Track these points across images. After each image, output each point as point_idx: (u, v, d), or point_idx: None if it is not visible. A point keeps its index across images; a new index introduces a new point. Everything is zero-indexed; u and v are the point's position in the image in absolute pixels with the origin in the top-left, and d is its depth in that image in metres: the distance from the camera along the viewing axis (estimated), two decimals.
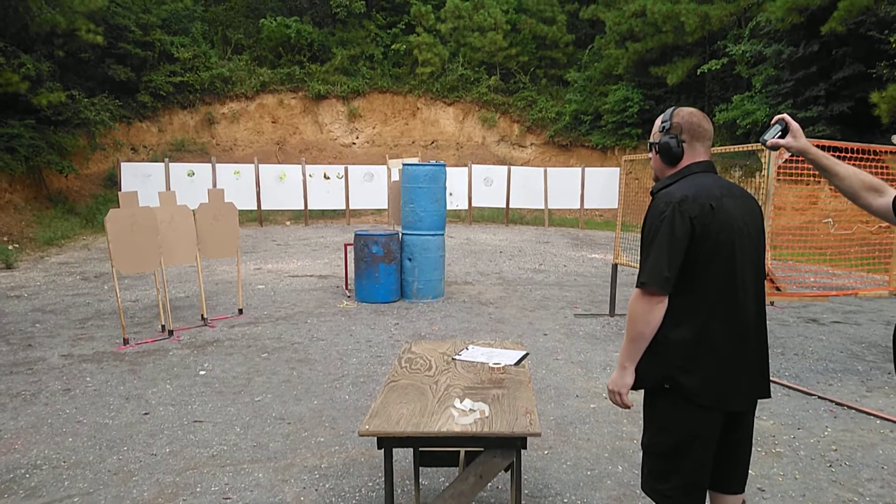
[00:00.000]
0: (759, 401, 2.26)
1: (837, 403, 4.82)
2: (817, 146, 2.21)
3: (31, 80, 14.12)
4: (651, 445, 2.23)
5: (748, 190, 2.32)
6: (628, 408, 2.24)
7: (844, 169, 2.14)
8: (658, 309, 2.08)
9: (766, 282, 2.30)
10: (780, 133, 2.18)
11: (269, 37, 22.59)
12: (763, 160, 5.62)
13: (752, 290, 2.16)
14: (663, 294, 2.06)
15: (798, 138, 2.16)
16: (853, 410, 4.70)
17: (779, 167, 5.64)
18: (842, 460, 3.85)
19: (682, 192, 2.08)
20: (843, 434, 4.26)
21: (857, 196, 2.11)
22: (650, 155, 2.34)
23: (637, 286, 2.11)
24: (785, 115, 2.18)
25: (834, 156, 2.20)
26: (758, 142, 2.29)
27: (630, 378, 2.18)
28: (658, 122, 2.30)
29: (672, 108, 2.27)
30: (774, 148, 2.20)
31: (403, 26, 24.09)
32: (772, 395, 4.81)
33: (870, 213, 2.12)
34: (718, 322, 2.09)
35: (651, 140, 2.32)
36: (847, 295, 6.48)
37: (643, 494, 2.38)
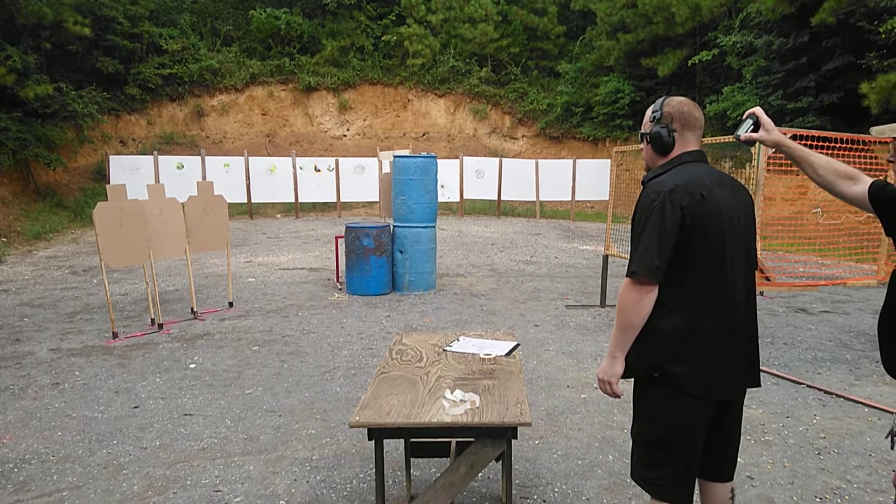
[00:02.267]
0: (749, 391, 2.27)
1: (826, 392, 4.85)
2: (806, 136, 2.20)
3: (18, 72, 13.95)
4: (641, 434, 2.23)
5: (738, 180, 2.32)
6: (618, 397, 2.24)
7: (818, 159, 2.15)
8: (648, 298, 2.07)
9: (756, 272, 2.30)
10: (752, 127, 2.20)
11: (259, 28, 22.42)
12: (753, 151, 5.63)
13: (742, 280, 2.16)
14: (653, 283, 2.06)
15: (770, 131, 2.18)
16: (841, 399, 4.74)
17: (768, 157, 5.65)
18: (830, 448, 3.88)
19: (673, 182, 2.07)
20: (831, 422, 4.30)
21: (832, 185, 2.12)
22: (641, 145, 2.33)
23: (627, 275, 2.10)
24: (756, 109, 2.20)
25: (824, 145, 2.20)
26: (733, 137, 2.30)
27: (620, 367, 2.18)
28: (649, 111, 2.29)
29: (662, 98, 2.26)
30: (749, 142, 2.24)
31: (394, 17, 23.94)
32: (761, 384, 4.84)
33: (844, 201, 2.13)
34: (708, 311, 2.09)
35: (642, 130, 2.31)
36: (836, 284, 6.52)
37: (633, 483, 2.39)
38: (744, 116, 2.22)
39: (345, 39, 23.30)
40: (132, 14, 18.83)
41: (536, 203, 18.90)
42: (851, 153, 5.69)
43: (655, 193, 2.07)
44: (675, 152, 2.21)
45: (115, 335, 6.14)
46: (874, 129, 1.98)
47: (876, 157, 6.19)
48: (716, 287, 2.09)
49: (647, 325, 2.11)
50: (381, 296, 8.08)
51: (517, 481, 3.40)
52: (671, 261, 2.05)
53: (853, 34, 14.05)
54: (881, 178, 2.12)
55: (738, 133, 2.22)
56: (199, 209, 6.93)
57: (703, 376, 2.09)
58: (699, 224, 2.04)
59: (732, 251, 2.11)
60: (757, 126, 2.19)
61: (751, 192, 5.25)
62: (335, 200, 17.97)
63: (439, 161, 9.85)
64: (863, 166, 5.58)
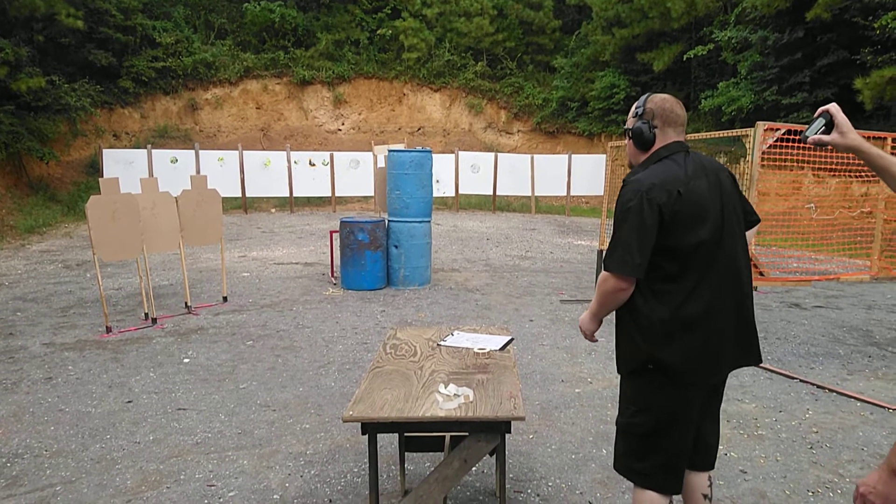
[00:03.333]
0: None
1: (819, 386, 4.87)
2: (801, 131, 2.12)
3: (10, 65, 13.86)
4: (630, 426, 2.25)
5: (718, 162, 2.33)
6: (595, 341, 2.47)
7: None
8: (625, 292, 2.15)
9: (750, 266, 2.30)
10: (823, 128, 1.87)
11: (253, 21, 22.31)
12: (747, 146, 5.64)
13: (734, 265, 2.19)
14: (631, 279, 2.12)
15: (845, 134, 1.83)
16: (834, 393, 4.76)
17: (763, 153, 5.66)
18: (822, 442, 3.90)
19: (650, 181, 2.11)
20: (823, 416, 4.32)
21: None
22: (624, 141, 2.37)
23: (605, 269, 2.16)
24: (830, 107, 1.87)
25: None
26: (800, 137, 2.09)
27: (596, 326, 2.39)
28: (632, 108, 2.35)
29: (646, 95, 2.32)
30: (820, 145, 1.89)
31: (389, 11, 23.86)
32: (753, 378, 4.85)
33: None
34: (696, 298, 2.11)
35: (625, 126, 2.36)
36: (829, 280, 6.54)
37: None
38: (815, 114, 1.90)
39: (340, 33, 23.21)
40: (125, 6, 18.72)
41: (532, 198, 18.90)
42: None
43: (633, 192, 2.11)
44: (655, 148, 2.25)
45: (108, 329, 6.11)
46: None
47: None
48: (701, 274, 2.12)
49: (638, 318, 2.15)
50: (376, 290, 8.08)
51: (511, 475, 3.40)
52: (656, 254, 2.09)
53: (848, 30, 14.08)
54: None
55: (807, 134, 1.90)
56: (192, 203, 6.90)
57: (695, 361, 2.12)
58: (678, 219, 2.08)
59: (717, 238, 2.14)
60: (830, 127, 1.86)
61: (745, 188, 5.26)
62: (330, 195, 17.93)
63: (434, 156, 9.85)
64: (858, 164, 5.59)
